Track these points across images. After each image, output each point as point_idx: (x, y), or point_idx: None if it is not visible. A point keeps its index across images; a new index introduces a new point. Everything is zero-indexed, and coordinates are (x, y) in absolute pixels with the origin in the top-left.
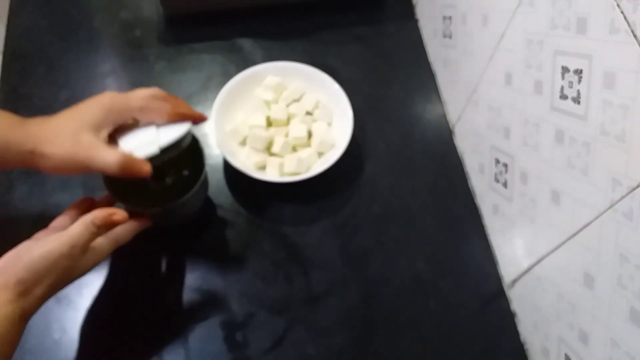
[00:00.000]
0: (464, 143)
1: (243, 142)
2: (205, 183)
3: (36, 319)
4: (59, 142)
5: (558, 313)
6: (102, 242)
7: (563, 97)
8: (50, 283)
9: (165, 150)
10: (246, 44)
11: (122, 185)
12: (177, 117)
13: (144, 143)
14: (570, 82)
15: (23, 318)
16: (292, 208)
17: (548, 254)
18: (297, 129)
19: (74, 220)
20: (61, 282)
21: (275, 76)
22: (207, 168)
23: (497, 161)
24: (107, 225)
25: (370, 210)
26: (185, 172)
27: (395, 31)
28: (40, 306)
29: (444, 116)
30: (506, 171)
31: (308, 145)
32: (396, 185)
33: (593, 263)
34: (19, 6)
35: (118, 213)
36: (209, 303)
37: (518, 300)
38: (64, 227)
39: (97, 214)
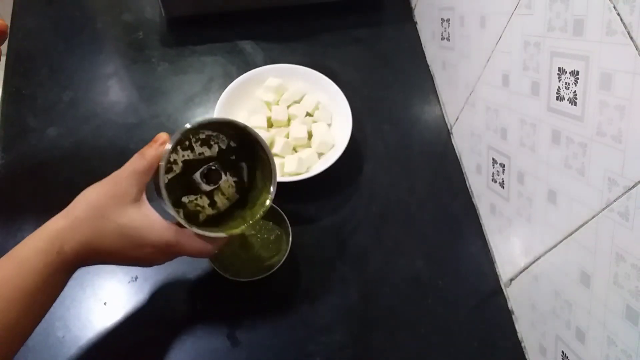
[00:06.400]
0: (461, 143)
1: None
2: None
3: None
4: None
5: (555, 311)
6: None
7: (560, 98)
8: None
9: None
10: (247, 46)
11: None
12: None
13: None
14: (567, 84)
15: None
16: (292, 207)
17: (545, 252)
18: (297, 130)
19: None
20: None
21: (276, 78)
22: None
23: (495, 161)
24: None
25: (369, 210)
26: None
27: (393, 33)
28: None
29: (442, 117)
30: (503, 171)
31: (308, 145)
32: (395, 185)
33: (589, 262)
34: (23, 8)
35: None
36: (209, 302)
37: (515, 298)
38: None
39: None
